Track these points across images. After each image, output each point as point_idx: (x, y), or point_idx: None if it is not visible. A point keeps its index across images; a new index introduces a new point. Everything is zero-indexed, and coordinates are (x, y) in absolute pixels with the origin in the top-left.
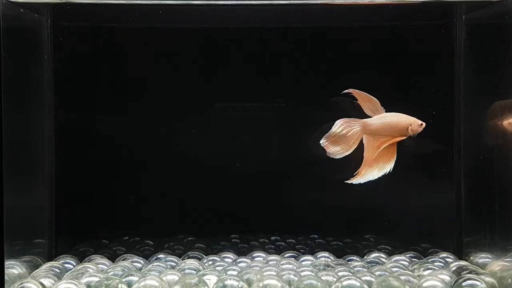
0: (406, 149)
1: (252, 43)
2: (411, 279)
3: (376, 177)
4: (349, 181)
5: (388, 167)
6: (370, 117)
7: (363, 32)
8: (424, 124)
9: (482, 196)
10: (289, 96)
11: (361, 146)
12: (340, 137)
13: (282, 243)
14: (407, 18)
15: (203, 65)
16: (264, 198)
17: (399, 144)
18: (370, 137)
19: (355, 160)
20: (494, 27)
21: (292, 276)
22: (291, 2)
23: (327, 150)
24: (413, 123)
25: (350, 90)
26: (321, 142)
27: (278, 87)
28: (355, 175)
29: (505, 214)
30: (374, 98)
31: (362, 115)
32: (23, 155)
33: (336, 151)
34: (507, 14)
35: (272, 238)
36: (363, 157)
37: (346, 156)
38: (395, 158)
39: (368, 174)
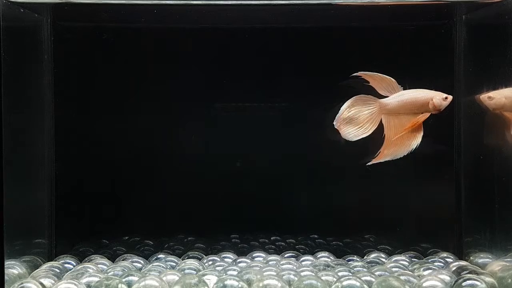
0: None
1: (252, 43)
2: (411, 279)
3: (402, 154)
4: (370, 163)
5: (415, 143)
6: (386, 97)
7: (363, 33)
8: (450, 97)
9: (482, 196)
10: (289, 96)
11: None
12: (354, 114)
13: (282, 243)
14: (407, 18)
15: (203, 65)
16: (264, 198)
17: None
18: (389, 116)
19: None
20: (494, 27)
21: (292, 276)
22: (291, 2)
23: (341, 131)
24: (434, 98)
25: (360, 73)
26: (334, 123)
27: (278, 87)
28: (376, 155)
29: (505, 214)
30: (389, 77)
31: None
32: (23, 155)
33: (351, 132)
34: (507, 14)
35: (272, 238)
36: (382, 138)
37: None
38: (421, 134)
39: (391, 153)
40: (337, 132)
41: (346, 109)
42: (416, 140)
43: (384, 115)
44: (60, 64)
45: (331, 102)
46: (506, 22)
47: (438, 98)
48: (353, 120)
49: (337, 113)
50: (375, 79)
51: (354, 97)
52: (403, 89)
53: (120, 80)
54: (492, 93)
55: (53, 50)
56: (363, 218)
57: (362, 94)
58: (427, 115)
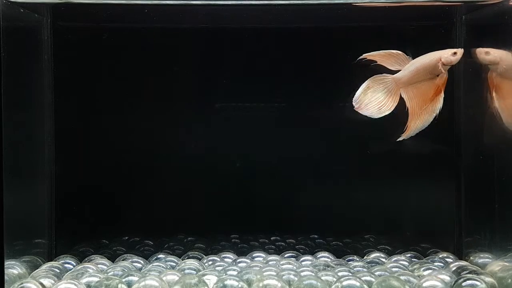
0: (407, 149)
1: (251, 43)
2: (411, 279)
3: (429, 122)
4: (401, 138)
5: (439, 107)
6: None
7: (363, 33)
8: (459, 51)
9: (482, 196)
10: (289, 96)
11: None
12: (372, 96)
13: (282, 243)
14: (407, 19)
15: (203, 65)
16: (264, 198)
17: (399, 143)
18: (407, 88)
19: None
20: (494, 27)
21: (292, 276)
22: (291, 2)
23: (363, 111)
24: (443, 56)
25: (365, 55)
26: (353, 102)
27: (277, 87)
28: (405, 130)
29: (505, 214)
30: (395, 51)
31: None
32: (23, 155)
33: (374, 109)
34: (507, 14)
35: (272, 238)
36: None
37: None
38: (443, 96)
39: (418, 124)
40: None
41: (363, 92)
42: (439, 104)
43: (402, 89)
44: (60, 64)
45: (330, 101)
46: (506, 22)
47: (446, 56)
48: (372, 101)
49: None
50: (382, 56)
51: (369, 79)
52: (412, 59)
53: (120, 80)
54: (490, 50)
55: (53, 50)
56: (363, 218)
57: (376, 75)
58: (445, 76)
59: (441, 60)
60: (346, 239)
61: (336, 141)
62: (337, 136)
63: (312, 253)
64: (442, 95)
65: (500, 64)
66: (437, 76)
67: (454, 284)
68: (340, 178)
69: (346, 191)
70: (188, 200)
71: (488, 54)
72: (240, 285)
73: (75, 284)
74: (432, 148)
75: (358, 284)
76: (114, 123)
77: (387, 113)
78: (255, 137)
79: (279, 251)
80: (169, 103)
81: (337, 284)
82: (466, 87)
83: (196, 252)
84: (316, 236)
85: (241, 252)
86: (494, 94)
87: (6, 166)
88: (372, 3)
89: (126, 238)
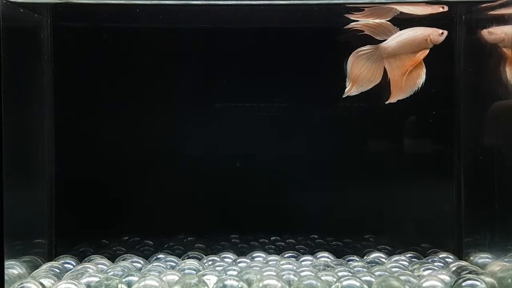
0: (407, 149)
1: (251, 43)
2: (411, 279)
3: (410, 93)
4: (387, 102)
5: (420, 81)
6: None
7: (362, 32)
8: (445, 32)
9: (482, 196)
10: (289, 96)
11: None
12: (360, 68)
13: (282, 243)
14: (406, 18)
15: (203, 65)
16: (264, 198)
17: (399, 143)
18: (390, 59)
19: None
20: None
21: (292, 276)
22: (291, 2)
23: (356, 88)
24: (431, 34)
25: (352, 25)
26: (347, 85)
27: (277, 87)
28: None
29: (505, 214)
30: (383, 21)
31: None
32: (23, 155)
33: (364, 85)
34: (506, 14)
35: (272, 238)
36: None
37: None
38: (424, 70)
39: (399, 93)
40: (351, 88)
41: (351, 66)
42: (421, 78)
43: (385, 59)
44: (60, 64)
45: (330, 101)
46: (506, 22)
47: (435, 35)
48: (362, 73)
49: (344, 73)
50: (369, 26)
51: (352, 53)
52: (399, 30)
53: (120, 80)
54: (492, 29)
55: (53, 50)
56: (363, 218)
57: (359, 48)
58: (427, 51)
59: (429, 37)
60: (346, 239)
61: (336, 141)
62: (337, 136)
63: (312, 253)
64: (424, 69)
65: (506, 39)
66: (420, 51)
67: (454, 284)
68: (340, 178)
69: (346, 191)
70: (188, 200)
71: (491, 34)
72: (240, 285)
73: (75, 284)
74: (432, 148)
75: (358, 284)
76: (114, 123)
77: (374, 84)
78: (255, 137)
79: (279, 251)
80: (169, 103)
81: (337, 284)
82: (466, 86)
83: (196, 252)
84: (316, 236)
85: (241, 252)
86: (507, 68)
87: (6, 166)
88: (372, 3)
89: (126, 238)
